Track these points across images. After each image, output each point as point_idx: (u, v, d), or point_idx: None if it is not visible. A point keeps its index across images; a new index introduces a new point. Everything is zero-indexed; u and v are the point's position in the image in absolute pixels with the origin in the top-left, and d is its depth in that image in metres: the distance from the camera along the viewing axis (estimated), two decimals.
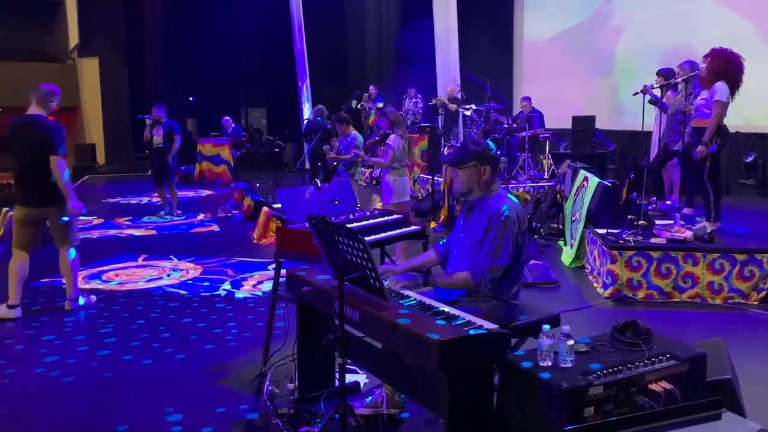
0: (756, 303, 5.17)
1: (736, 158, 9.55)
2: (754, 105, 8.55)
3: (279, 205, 8.81)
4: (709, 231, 5.46)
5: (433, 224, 8.69)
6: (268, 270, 6.38)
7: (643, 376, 2.51)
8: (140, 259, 6.96)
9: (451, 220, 8.72)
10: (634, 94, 7.35)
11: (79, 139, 17.02)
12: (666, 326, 4.86)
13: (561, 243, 7.42)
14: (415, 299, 2.84)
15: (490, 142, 3.12)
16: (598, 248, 5.79)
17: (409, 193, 6.70)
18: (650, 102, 7.14)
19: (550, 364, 2.51)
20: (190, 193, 12.63)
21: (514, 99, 14.44)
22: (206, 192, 12.85)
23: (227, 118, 15.12)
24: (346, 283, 2.76)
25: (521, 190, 9.44)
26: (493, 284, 2.99)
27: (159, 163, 9.39)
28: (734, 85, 5.92)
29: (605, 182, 6.37)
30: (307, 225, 3.95)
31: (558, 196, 7.98)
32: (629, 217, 5.86)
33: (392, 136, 6.62)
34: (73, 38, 17.56)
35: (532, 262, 6.30)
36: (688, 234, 5.47)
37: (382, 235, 4.00)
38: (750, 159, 9.23)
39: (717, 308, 5.18)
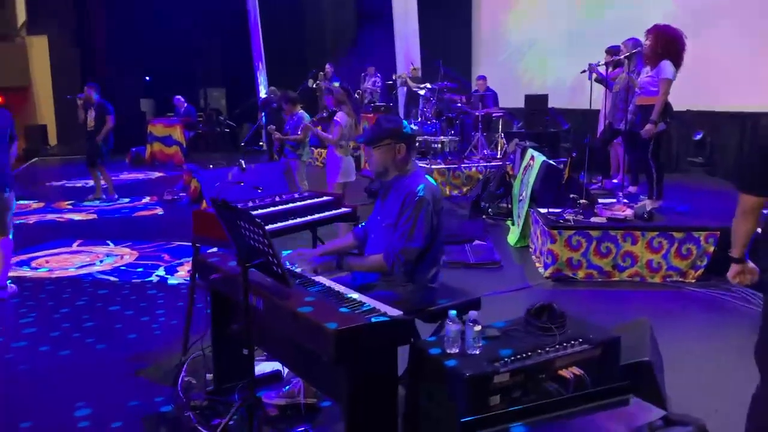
0: (693, 281, 5.18)
1: (685, 136, 9.60)
2: (705, 83, 8.58)
3: None
4: (648, 209, 5.44)
5: None
6: None
7: (554, 361, 2.43)
8: (75, 245, 6.71)
9: None
10: (581, 72, 7.30)
11: (30, 120, 16.46)
12: (605, 306, 4.86)
13: (509, 223, 7.38)
14: (324, 286, 2.71)
15: (405, 121, 3.00)
16: (540, 228, 5.74)
17: (354, 172, 6.54)
18: (596, 80, 7.09)
19: (457, 350, 2.41)
20: (140, 176, 12.31)
21: (473, 78, 14.33)
22: (156, 174, 12.52)
23: (179, 97, 14.72)
24: (255, 270, 2.63)
25: (474, 169, 9.37)
26: (408, 267, 2.88)
27: (89, 145, 9.07)
28: (677, 62, 5.88)
29: (549, 162, 6.31)
30: None
31: (507, 175, 7.93)
32: (571, 196, 5.81)
33: (340, 113, 6.47)
34: (21, 15, 16.90)
35: (476, 242, 6.25)
36: (629, 212, 5.44)
37: (309, 218, 3.88)
38: (698, 137, 9.28)
39: (655, 287, 5.18)
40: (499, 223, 7.53)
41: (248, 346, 2.62)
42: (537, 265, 5.75)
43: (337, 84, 13.87)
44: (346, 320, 2.26)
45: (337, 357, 2.19)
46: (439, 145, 9.53)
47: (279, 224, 3.68)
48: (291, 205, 3.95)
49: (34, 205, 9.13)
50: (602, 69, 6.81)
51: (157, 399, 3.35)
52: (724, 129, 9.24)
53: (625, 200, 6.07)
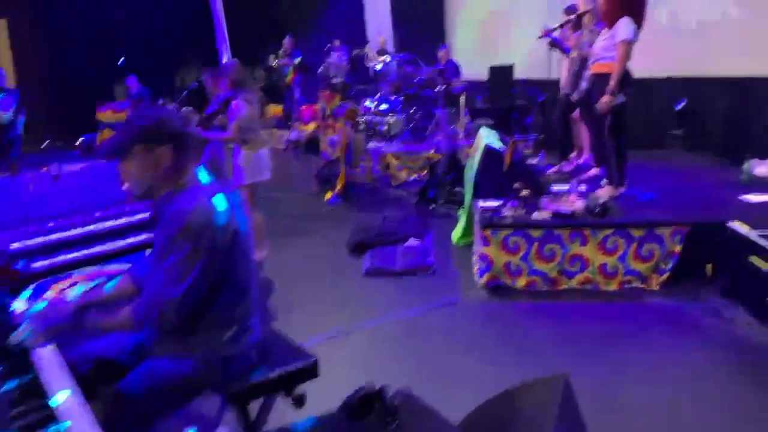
0: (657, 288, 4.25)
1: (667, 108, 8.57)
2: (688, 46, 7.57)
3: None
4: (602, 201, 4.48)
5: (328, 195, 7.61)
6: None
7: None
8: None
9: (350, 190, 7.68)
10: (538, 38, 6.33)
11: None
12: (547, 323, 3.96)
13: (461, 213, 6.43)
14: (33, 373, 1.78)
15: (173, 115, 2.05)
16: (477, 225, 4.80)
17: (269, 168, 5.40)
18: (550, 45, 6.10)
19: None
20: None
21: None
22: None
23: (132, 76, 13.58)
24: None
25: (433, 150, 8.40)
26: (171, 325, 1.92)
27: None
28: (638, 21, 4.89)
29: (491, 145, 5.32)
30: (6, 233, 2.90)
31: (457, 157, 6.97)
32: (515, 186, 4.86)
33: (235, 102, 5.30)
34: None
35: (407, 243, 5.32)
36: (579, 205, 4.48)
37: (97, 249, 2.97)
38: (680, 106, 8.25)
39: (611, 297, 4.26)
40: (451, 212, 6.58)
41: None
42: (475, 270, 4.82)
43: (299, 59, 12.86)
44: None
45: None
46: (386, 127, 8.53)
47: (57, 259, 2.77)
48: (81, 230, 3.02)
49: None
50: (557, 33, 5.82)
51: None
52: (709, 97, 8.22)
53: (582, 187, 5.13)
